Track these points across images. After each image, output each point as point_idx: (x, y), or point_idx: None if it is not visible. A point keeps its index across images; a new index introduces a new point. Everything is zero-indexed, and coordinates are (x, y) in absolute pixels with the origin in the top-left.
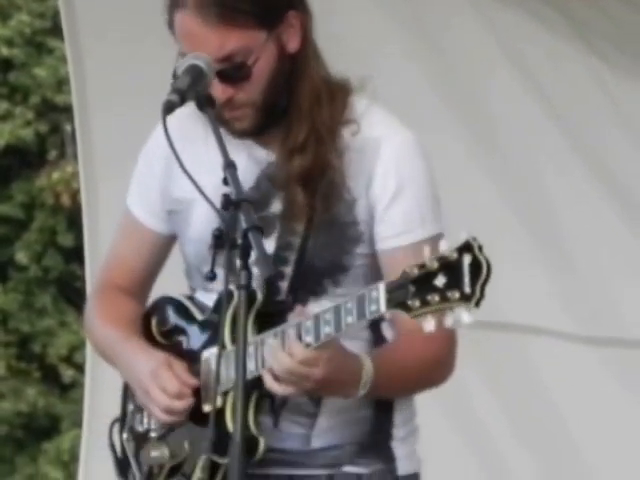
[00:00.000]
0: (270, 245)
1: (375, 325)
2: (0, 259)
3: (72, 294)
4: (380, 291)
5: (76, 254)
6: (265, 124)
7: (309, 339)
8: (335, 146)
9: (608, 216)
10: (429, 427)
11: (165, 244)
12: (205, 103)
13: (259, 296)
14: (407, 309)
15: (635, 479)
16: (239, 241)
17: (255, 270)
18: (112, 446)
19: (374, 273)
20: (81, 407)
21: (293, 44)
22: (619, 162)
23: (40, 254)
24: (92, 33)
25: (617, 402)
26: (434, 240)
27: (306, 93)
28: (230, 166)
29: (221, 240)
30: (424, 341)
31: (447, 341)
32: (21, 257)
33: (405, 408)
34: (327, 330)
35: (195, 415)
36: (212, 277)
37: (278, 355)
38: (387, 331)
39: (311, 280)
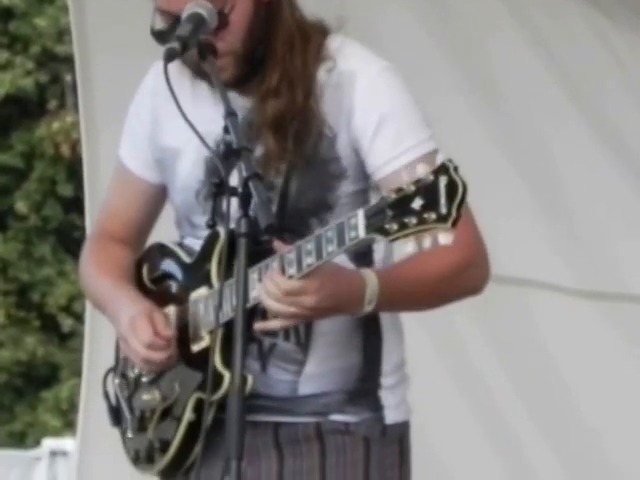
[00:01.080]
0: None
1: (362, 258)
2: (0, 208)
3: (71, 244)
4: (359, 217)
5: (75, 204)
6: (245, 74)
7: (292, 271)
8: (310, 88)
9: (609, 172)
10: (426, 379)
11: (157, 193)
12: (207, 51)
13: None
14: (385, 233)
15: (636, 433)
16: (239, 189)
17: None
18: (106, 394)
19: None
20: (80, 356)
21: None
22: (621, 117)
23: (40, 204)
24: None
25: (617, 356)
26: (429, 157)
27: (280, 39)
28: (231, 115)
29: (221, 188)
30: (442, 250)
31: (471, 247)
32: (21, 206)
33: (394, 356)
34: (309, 260)
35: (185, 356)
36: (212, 225)
37: (264, 290)
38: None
39: (296, 220)
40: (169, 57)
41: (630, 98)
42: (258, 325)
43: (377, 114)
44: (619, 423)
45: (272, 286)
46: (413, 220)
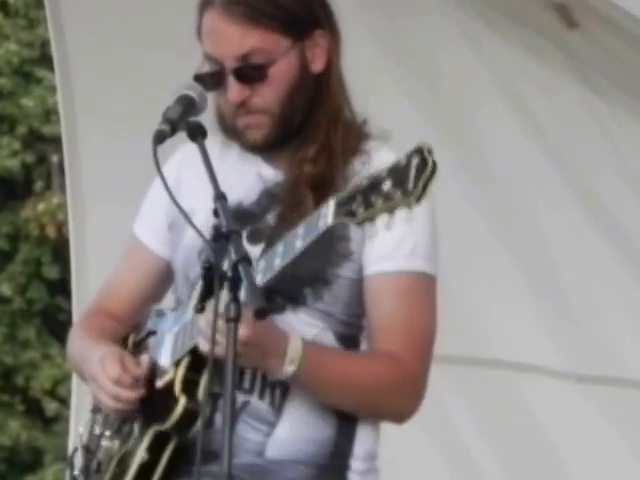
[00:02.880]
0: (257, 251)
1: (349, 341)
2: None
3: (56, 327)
4: (329, 205)
5: (61, 286)
6: (278, 139)
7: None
8: (343, 168)
9: (601, 253)
10: (418, 462)
11: (165, 271)
12: (198, 131)
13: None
14: (353, 216)
15: None
16: (229, 273)
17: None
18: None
19: (356, 301)
20: (65, 440)
21: (317, 64)
22: (612, 197)
23: (24, 286)
24: (82, 63)
25: (607, 442)
26: (424, 278)
27: (325, 112)
28: (220, 198)
29: (210, 272)
30: (387, 357)
31: (411, 365)
32: (5, 289)
33: (367, 444)
34: (278, 262)
35: (149, 399)
36: (201, 309)
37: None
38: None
39: (292, 286)
40: (158, 139)
41: (622, 177)
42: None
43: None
44: None
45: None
46: (379, 200)
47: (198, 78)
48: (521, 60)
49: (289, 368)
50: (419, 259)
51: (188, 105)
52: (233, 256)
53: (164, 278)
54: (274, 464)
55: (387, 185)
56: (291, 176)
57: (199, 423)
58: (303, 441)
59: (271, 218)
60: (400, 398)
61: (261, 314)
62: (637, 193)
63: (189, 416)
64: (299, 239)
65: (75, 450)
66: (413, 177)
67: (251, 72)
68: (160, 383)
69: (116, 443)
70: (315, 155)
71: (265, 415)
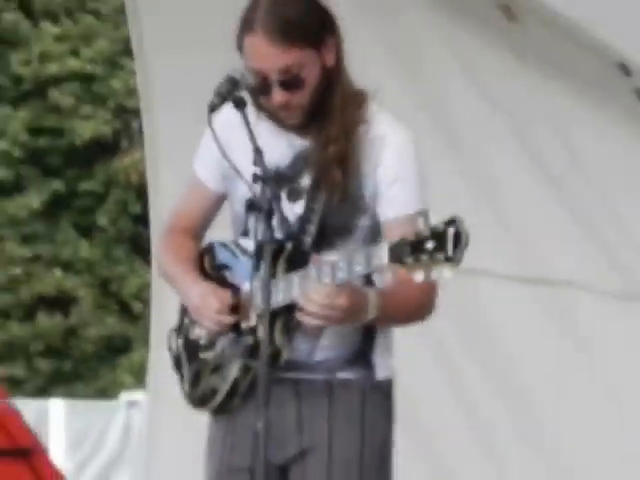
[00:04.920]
0: (299, 209)
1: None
2: (87, 223)
3: (139, 249)
4: (384, 249)
5: (142, 219)
6: (307, 120)
7: (327, 280)
8: (354, 139)
9: (535, 187)
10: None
11: (218, 199)
12: (241, 102)
13: (288, 246)
14: (403, 264)
15: (562, 401)
16: (266, 208)
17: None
18: (170, 348)
19: (370, 238)
20: (148, 331)
21: (330, 61)
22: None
23: (116, 219)
24: (155, 53)
25: (544, 333)
26: (423, 214)
27: (338, 98)
28: (257, 151)
29: (253, 206)
30: (417, 289)
31: (432, 291)
32: (102, 221)
33: (383, 338)
34: (341, 275)
35: (235, 328)
36: (245, 233)
37: (307, 296)
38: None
39: (327, 237)
40: (211, 108)
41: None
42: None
43: (394, 172)
44: (547, 383)
45: (312, 292)
46: (425, 257)
47: (248, 89)
48: (478, 47)
49: (371, 316)
50: (419, 202)
51: (234, 83)
52: (267, 194)
53: (216, 206)
54: (320, 362)
55: (430, 245)
56: (319, 149)
57: (281, 360)
58: (339, 345)
59: (305, 180)
60: (429, 309)
61: (289, 238)
62: (571, 151)
63: (272, 354)
64: (359, 265)
65: (172, 330)
66: (452, 245)
67: (292, 82)
68: (244, 325)
69: (210, 355)
70: (336, 135)
71: (313, 330)
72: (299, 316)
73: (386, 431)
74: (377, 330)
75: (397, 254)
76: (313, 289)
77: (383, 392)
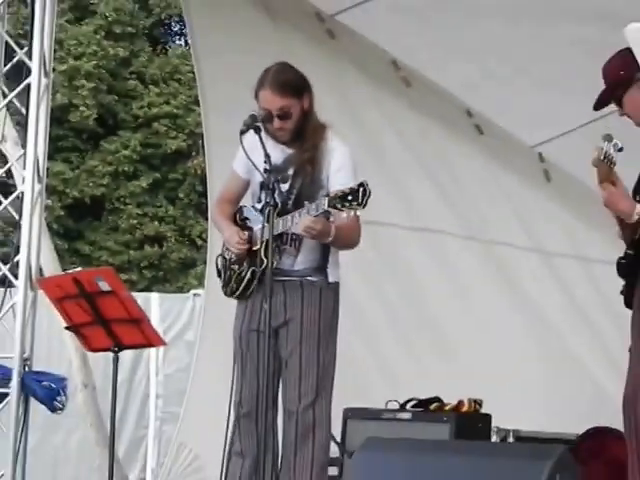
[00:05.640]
0: (285, 187)
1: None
2: (173, 196)
3: (202, 211)
4: (325, 200)
5: (204, 194)
6: (292, 139)
7: (309, 215)
8: (318, 149)
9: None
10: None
11: (245, 184)
12: (258, 129)
13: (279, 206)
14: (335, 208)
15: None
16: (270, 186)
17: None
18: (217, 265)
19: None
20: (206, 255)
21: (306, 105)
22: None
23: (189, 194)
24: (213, 104)
25: (486, 287)
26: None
27: (310, 126)
28: (267, 156)
29: (263, 185)
30: (349, 224)
31: (356, 226)
32: (181, 195)
33: (333, 256)
34: (311, 213)
35: (250, 252)
36: (259, 201)
37: (302, 221)
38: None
39: (299, 202)
40: (241, 132)
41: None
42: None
43: (338, 165)
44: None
45: (305, 220)
46: (346, 204)
47: (261, 120)
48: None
49: (331, 237)
50: (352, 181)
51: (253, 118)
52: (271, 183)
53: (245, 187)
54: (297, 270)
55: (349, 198)
56: (300, 155)
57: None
58: (309, 260)
59: (290, 171)
60: (357, 238)
61: (284, 201)
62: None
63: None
64: (312, 211)
65: (218, 256)
66: (361, 196)
67: (284, 115)
68: (254, 248)
69: (237, 268)
70: (311, 148)
71: (293, 253)
72: (304, 233)
73: (334, 312)
74: (329, 252)
75: (332, 203)
76: (304, 219)
77: (333, 289)
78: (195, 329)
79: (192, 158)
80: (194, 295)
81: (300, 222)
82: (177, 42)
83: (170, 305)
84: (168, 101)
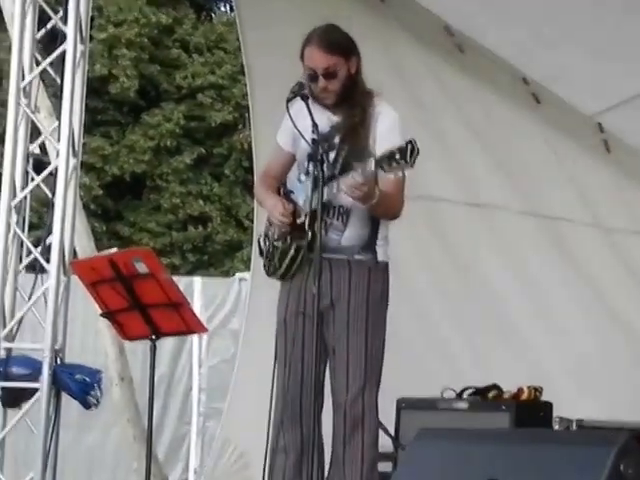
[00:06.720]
0: (332, 155)
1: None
2: (218, 173)
3: (249, 188)
4: (372, 162)
5: (250, 170)
6: (338, 102)
7: (357, 177)
8: (366, 114)
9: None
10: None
11: (290, 157)
12: (305, 96)
13: (327, 174)
14: (382, 169)
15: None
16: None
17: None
18: (259, 243)
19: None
20: (252, 237)
21: (352, 69)
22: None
23: (235, 170)
24: (261, 74)
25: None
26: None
27: (358, 90)
28: (314, 124)
29: (311, 156)
30: (393, 187)
31: (401, 189)
32: (227, 172)
33: (383, 232)
34: (360, 173)
35: (294, 225)
36: (307, 173)
37: (348, 182)
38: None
39: (349, 169)
40: (288, 100)
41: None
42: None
43: (386, 127)
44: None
45: (349, 179)
46: (394, 163)
47: (308, 77)
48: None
49: (376, 199)
50: (400, 141)
51: (300, 85)
52: (319, 155)
53: (290, 161)
54: (344, 247)
55: (397, 156)
56: (348, 120)
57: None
58: (357, 236)
59: (337, 139)
60: (400, 205)
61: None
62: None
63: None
64: (358, 173)
65: (259, 236)
66: (409, 155)
67: (330, 75)
68: (299, 221)
69: (280, 244)
70: (360, 112)
71: (340, 227)
72: (350, 192)
73: (383, 295)
74: (379, 228)
75: (379, 164)
76: (353, 178)
77: (382, 269)
78: (241, 316)
79: (239, 132)
80: (240, 280)
81: (344, 182)
82: (222, 9)
83: (214, 291)
84: (213, 71)
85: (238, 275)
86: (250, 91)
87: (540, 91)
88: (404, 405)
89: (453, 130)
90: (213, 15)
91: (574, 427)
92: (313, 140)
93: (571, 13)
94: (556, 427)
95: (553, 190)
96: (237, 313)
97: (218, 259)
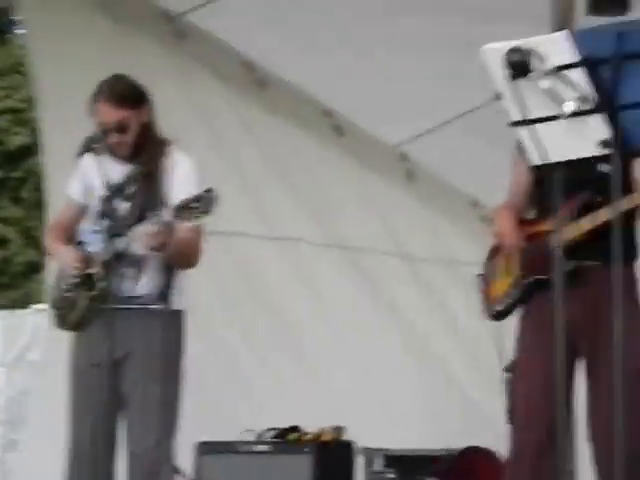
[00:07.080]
0: (127, 206)
1: None
2: (16, 195)
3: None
4: (170, 210)
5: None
6: (133, 154)
7: (152, 225)
8: (159, 163)
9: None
10: None
11: (82, 209)
12: (95, 150)
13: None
14: (179, 218)
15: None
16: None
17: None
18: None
19: None
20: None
21: (144, 119)
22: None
23: (33, 191)
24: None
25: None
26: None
27: (152, 141)
28: (105, 181)
29: (106, 210)
30: (191, 235)
31: (199, 238)
32: (25, 194)
33: (178, 281)
34: (155, 221)
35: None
36: (100, 223)
37: (142, 232)
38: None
39: (145, 212)
40: (78, 156)
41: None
42: None
43: (181, 177)
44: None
45: (143, 229)
46: (192, 212)
47: (100, 132)
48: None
49: (172, 249)
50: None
51: (90, 139)
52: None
53: (83, 212)
54: (139, 297)
55: (195, 205)
56: (143, 170)
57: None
58: (152, 286)
59: (132, 189)
60: (198, 253)
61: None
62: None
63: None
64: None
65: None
66: (207, 204)
67: (122, 129)
68: (92, 270)
69: (70, 294)
70: (154, 162)
71: (134, 276)
72: (144, 242)
73: (178, 340)
74: (173, 277)
75: (175, 213)
76: (148, 228)
77: (177, 317)
78: (40, 347)
79: (36, 156)
80: (38, 311)
81: (139, 232)
82: (20, 31)
83: (11, 322)
84: (9, 95)
85: (36, 307)
86: (44, 140)
87: (342, 123)
88: (204, 450)
89: (254, 165)
90: (10, 38)
91: (380, 457)
92: (104, 196)
93: (367, 42)
94: (360, 459)
95: (357, 220)
96: (35, 344)
97: (18, 281)
